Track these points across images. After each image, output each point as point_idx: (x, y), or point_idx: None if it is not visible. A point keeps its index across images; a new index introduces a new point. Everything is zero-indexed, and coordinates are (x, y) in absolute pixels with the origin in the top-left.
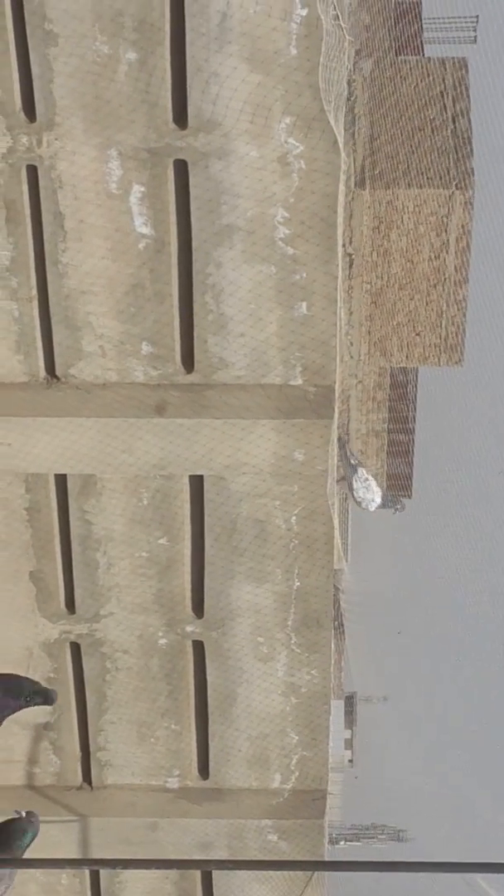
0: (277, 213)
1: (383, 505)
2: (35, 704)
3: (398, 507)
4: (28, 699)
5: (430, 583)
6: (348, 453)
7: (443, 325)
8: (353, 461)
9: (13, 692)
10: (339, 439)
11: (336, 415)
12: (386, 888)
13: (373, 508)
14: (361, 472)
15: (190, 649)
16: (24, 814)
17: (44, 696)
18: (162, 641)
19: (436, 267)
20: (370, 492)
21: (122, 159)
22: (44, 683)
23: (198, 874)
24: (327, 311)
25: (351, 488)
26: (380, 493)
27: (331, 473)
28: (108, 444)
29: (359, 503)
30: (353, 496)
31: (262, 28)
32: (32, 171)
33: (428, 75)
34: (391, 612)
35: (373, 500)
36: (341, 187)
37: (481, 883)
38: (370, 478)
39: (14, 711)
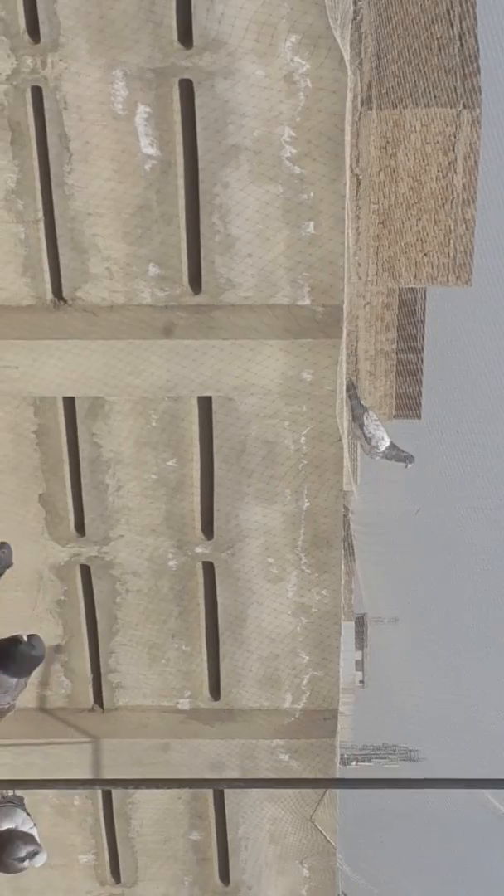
0: (284, 132)
1: (391, 455)
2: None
3: (408, 460)
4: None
5: (439, 503)
6: (358, 394)
7: (451, 245)
8: (363, 402)
9: (9, 664)
10: (350, 385)
11: (344, 335)
12: (397, 806)
13: (382, 448)
14: (371, 413)
15: (200, 570)
16: (25, 638)
17: (37, 654)
18: (172, 563)
19: (443, 186)
20: (380, 429)
21: (128, 80)
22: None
23: (210, 794)
24: (335, 230)
25: (361, 426)
26: (387, 438)
27: (339, 393)
28: (115, 367)
29: (368, 440)
30: (363, 434)
31: None
32: (37, 92)
33: None
34: (401, 534)
35: (382, 438)
36: (348, 106)
37: (491, 798)
38: (379, 421)
39: (21, 677)
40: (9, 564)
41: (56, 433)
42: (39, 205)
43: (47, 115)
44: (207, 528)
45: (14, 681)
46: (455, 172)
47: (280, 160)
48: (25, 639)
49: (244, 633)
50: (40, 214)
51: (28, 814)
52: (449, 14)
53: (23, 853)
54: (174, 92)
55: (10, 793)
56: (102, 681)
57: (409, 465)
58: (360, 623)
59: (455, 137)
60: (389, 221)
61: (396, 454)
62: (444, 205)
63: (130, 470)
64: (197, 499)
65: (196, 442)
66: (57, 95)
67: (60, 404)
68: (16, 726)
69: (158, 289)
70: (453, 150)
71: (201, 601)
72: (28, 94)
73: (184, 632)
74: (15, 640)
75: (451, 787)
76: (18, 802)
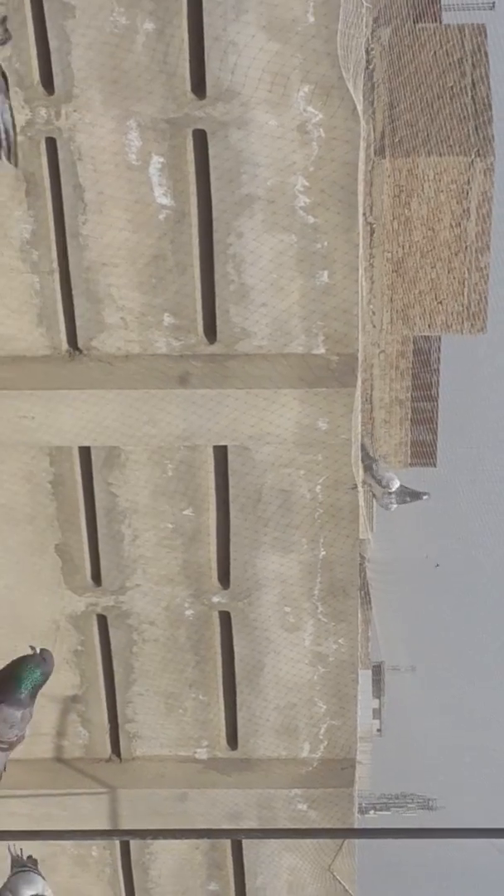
0: (297, 181)
1: (405, 496)
2: (39, 684)
3: (424, 494)
4: (30, 686)
5: (456, 551)
6: (366, 447)
7: (465, 293)
8: (371, 454)
9: (11, 693)
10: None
11: (359, 383)
12: (416, 856)
13: (394, 487)
14: (381, 461)
15: (216, 620)
16: (38, 650)
17: (41, 670)
18: (188, 612)
19: (457, 234)
20: (389, 472)
21: (141, 130)
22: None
23: (228, 844)
24: (349, 279)
25: (372, 471)
26: (398, 480)
27: (355, 441)
28: (131, 416)
29: (379, 481)
30: (374, 478)
31: None
32: (51, 143)
33: (446, 42)
34: (418, 581)
35: (393, 479)
36: (361, 155)
37: None
38: (388, 466)
39: (25, 708)
40: (50, 672)
41: (72, 483)
42: (54, 255)
43: (61, 166)
44: (224, 578)
45: (19, 714)
46: (468, 220)
47: (294, 210)
48: (38, 651)
49: (261, 683)
50: (55, 265)
51: (44, 878)
52: (461, 63)
53: None
54: (188, 142)
55: (24, 855)
56: (119, 731)
57: (426, 497)
58: (378, 671)
59: (468, 186)
60: (403, 270)
61: (410, 492)
62: (457, 253)
63: (147, 519)
64: (213, 548)
65: (212, 491)
66: (71, 146)
67: (76, 454)
68: (32, 777)
69: (173, 338)
70: (467, 198)
71: (218, 650)
72: (42, 146)
73: (201, 681)
74: (25, 658)
75: (470, 837)
76: (33, 867)
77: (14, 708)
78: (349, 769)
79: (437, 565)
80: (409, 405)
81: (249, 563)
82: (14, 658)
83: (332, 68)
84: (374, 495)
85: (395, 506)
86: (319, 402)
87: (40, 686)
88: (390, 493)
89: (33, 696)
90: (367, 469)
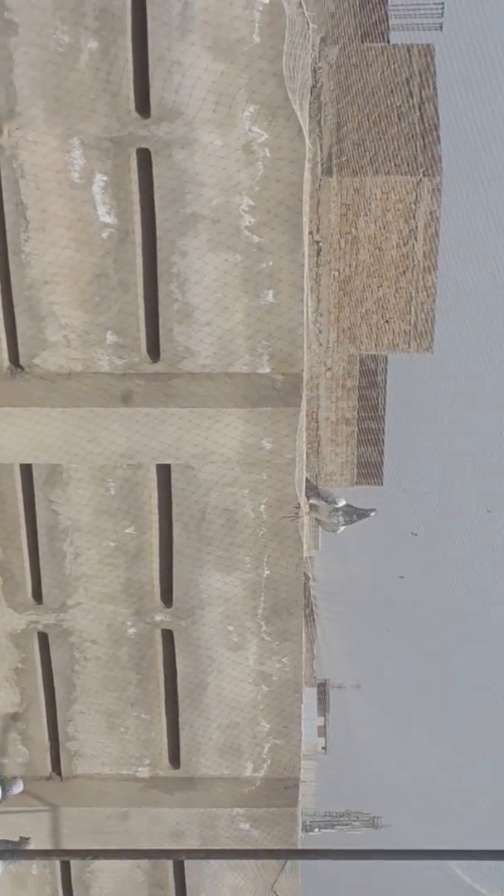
0: (242, 201)
1: (351, 515)
2: None
3: (370, 511)
4: None
5: (401, 570)
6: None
7: (412, 312)
8: (313, 482)
9: None
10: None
11: (304, 403)
12: (360, 875)
13: (340, 504)
14: (322, 488)
15: (159, 638)
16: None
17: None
18: (131, 631)
19: (404, 254)
20: (333, 493)
21: (85, 148)
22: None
23: (170, 863)
24: (294, 299)
25: (317, 491)
26: (343, 499)
27: (299, 461)
28: (73, 434)
29: (325, 498)
30: (319, 495)
31: (224, 16)
32: None
33: (394, 62)
34: (362, 600)
35: (339, 496)
36: (306, 175)
37: (455, 870)
38: (331, 491)
39: None
40: None
41: (13, 500)
42: None
43: (3, 184)
44: (167, 596)
45: None
46: (416, 240)
47: (239, 229)
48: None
49: (204, 702)
50: None
51: None
52: (409, 83)
53: None
54: (132, 161)
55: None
56: (60, 749)
57: (373, 513)
58: (322, 689)
59: (415, 205)
60: (350, 288)
61: (357, 511)
62: (404, 272)
63: (89, 537)
64: (156, 566)
65: (155, 510)
66: (13, 164)
67: (18, 471)
68: None
69: (116, 357)
70: (414, 217)
71: (160, 669)
72: None
73: (143, 700)
74: None
75: (413, 859)
76: None
77: None
78: (293, 788)
79: (402, 577)
80: (356, 424)
81: (192, 581)
82: None
83: (278, 88)
84: (318, 520)
85: (342, 528)
86: (264, 421)
87: None
88: (337, 510)
89: None
90: (312, 489)
